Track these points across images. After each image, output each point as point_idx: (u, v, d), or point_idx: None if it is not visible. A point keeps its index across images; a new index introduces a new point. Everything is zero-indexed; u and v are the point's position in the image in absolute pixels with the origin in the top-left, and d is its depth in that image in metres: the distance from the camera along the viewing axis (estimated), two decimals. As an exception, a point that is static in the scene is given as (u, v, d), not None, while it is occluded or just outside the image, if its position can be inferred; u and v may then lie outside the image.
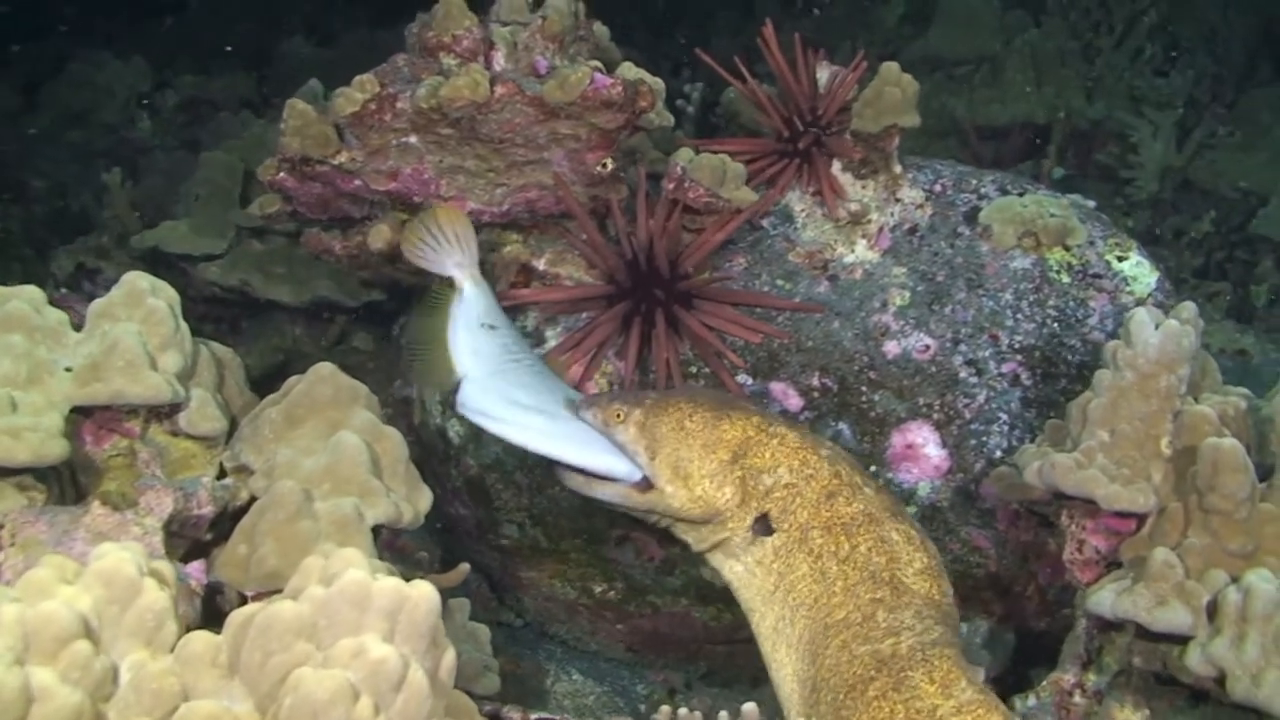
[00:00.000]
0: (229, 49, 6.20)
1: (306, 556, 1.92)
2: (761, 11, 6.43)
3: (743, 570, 2.11)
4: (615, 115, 2.39)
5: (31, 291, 2.13)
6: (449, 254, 2.30)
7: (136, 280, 2.18)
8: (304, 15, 6.44)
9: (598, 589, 2.76)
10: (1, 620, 1.43)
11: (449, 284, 2.31)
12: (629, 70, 2.44)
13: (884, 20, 5.65)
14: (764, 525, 2.10)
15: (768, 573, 2.08)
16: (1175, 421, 2.06)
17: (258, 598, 1.95)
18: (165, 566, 1.68)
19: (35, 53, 6.44)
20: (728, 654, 2.81)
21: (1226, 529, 1.90)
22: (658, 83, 2.48)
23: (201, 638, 1.54)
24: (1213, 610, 1.84)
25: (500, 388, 2.30)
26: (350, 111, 2.40)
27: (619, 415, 2.19)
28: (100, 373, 2.06)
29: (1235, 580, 1.84)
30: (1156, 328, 2.08)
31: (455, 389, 2.29)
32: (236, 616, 1.54)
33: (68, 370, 2.10)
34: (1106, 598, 1.94)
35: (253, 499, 2.20)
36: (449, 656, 1.62)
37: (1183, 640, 1.88)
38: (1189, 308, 2.18)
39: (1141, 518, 2.06)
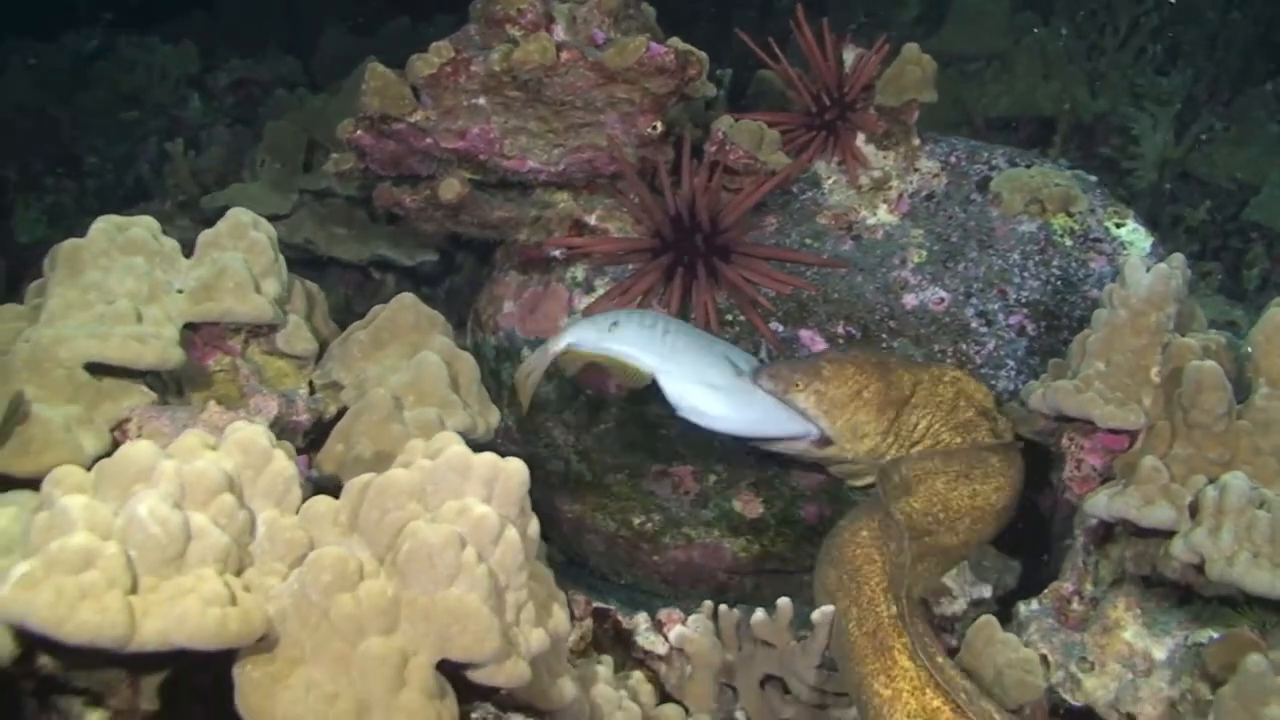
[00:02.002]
0: (269, 39, 6.49)
1: (397, 453, 2.19)
2: (780, 9, 6.72)
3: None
4: (667, 80, 2.65)
5: (149, 221, 2.38)
6: (540, 363, 2.63)
7: (240, 215, 2.45)
8: (342, 9, 6.73)
9: (636, 520, 3.00)
10: (162, 472, 1.67)
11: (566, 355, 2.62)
12: (678, 43, 2.70)
13: (899, 19, 5.92)
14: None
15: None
16: (1163, 353, 2.32)
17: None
18: (288, 446, 1.94)
19: (81, 39, 6.72)
20: (755, 585, 3.05)
21: (1207, 441, 2.16)
22: (704, 56, 2.73)
23: (324, 500, 1.80)
24: (1194, 510, 2.10)
25: (688, 372, 2.55)
26: (427, 74, 2.66)
27: (798, 385, 2.56)
28: (212, 293, 2.32)
29: (1213, 483, 2.09)
30: (1148, 271, 2.34)
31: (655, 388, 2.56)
32: (355, 483, 1.80)
33: (179, 292, 2.36)
34: (1101, 500, 2.20)
35: (341, 412, 2.46)
36: (534, 524, 1.88)
37: (1168, 537, 2.14)
38: (1178, 257, 2.46)
39: (1133, 436, 2.32)
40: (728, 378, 2.57)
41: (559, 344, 2.60)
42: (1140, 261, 2.39)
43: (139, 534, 1.59)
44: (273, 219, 3.74)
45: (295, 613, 1.65)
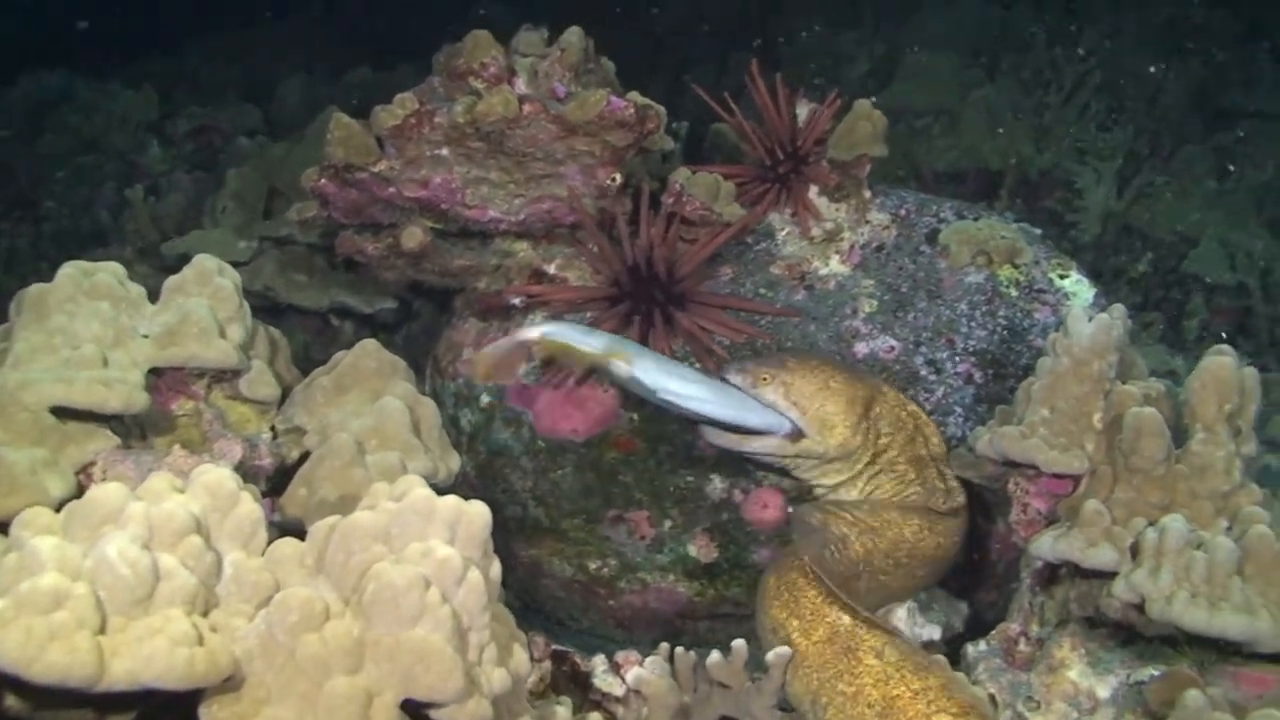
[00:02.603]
0: (230, 86, 6.54)
1: (359, 498, 2.22)
2: (735, 64, 6.85)
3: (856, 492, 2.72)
4: (626, 134, 2.72)
5: (115, 267, 2.42)
6: (513, 350, 2.75)
7: (205, 261, 2.49)
8: (303, 57, 6.81)
9: (592, 565, 3.03)
10: (131, 514, 1.70)
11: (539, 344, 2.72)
12: (637, 97, 2.77)
13: (850, 75, 6.05)
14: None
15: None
16: (1105, 400, 2.40)
17: (318, 532, 2.23)
18: (253, 489, 1.97)
19: (42, 80, 6.74)
20: (709, 628, 3.09)
21: (1147, 485, 2.24)
22: (662, 110, 2.81)
23: (289, 543, 1.84)
24: (1135, 551, 2.18)
25: (661, 367, 2.65)
26: (392, 124, 2.71)
27: (765, 379, 2.65)
28: (177, 338, 2.35)
29: (1153, 526, 2.17)
30: (1091, 321, 2.43)
31: (628, 380, 2.65)
32: (320, 526, 1.83)
33: (145, 337, 2.39)
34: (1046, 542, 2.28)
35: (303, 456, 2.50)
36: (496, 566, 1.92)
37: (1110, 578, 2.21)
38: (1119, 308, 2.55)
39: (1076, 480, 2.40)
40: (697, 374, 2.70)
41: (533, 331, 2.70)
42: (1083, 311, 2.48)
43: (108, 575, 1.62)
44: (233, 265, 3.80)
45: (262, 653, 1.68)
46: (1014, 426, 2.44)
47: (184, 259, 3.85)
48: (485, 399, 3.04)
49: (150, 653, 1.59)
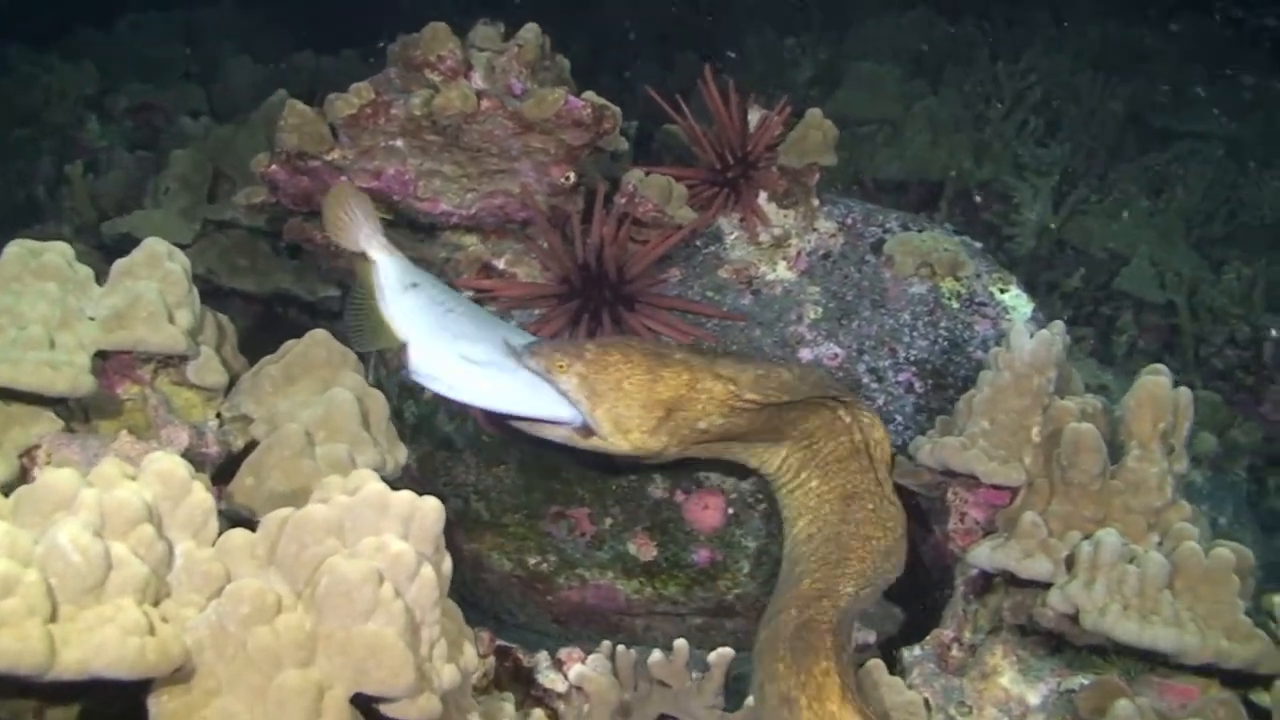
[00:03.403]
0: (168, 65, 6.44)
1: (307, 488, 2.22)
2: (681, 64, 6.88)
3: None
4: (582, 133, 2.73)
5: (63, 247, 2.39)
6: (357, 229, 2.57)
7: (155, 245, 2.46)
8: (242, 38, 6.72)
9: (532, 561, 3.05)
10: (83, 501, 1.69)
11: (364, 258, 2.60)
12: (594, 97, 2.79)
13: (795, 80, 6.11)
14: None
15: None
16: (1044, 414, 2.46)
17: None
18: (205, 478, 1.96)
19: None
20: (645, 626, 3.11)
21: (1083, 499, 2.30)
22: (618, 110, 2.83)
23: (240, 533, 1.84)
24: (1070, 563, 2.23)
25: (445, 344, 2.53)
26: (347, 114, 2.70)
27: (561, 366, 2.48)
28: (125, 322, 2.33)
29: (1088, 539, 2.23)
30: (1031, 337, 2.49)
31: (403, 355, 2.55)
32: (273, 517, 1.83)
33: (91, 319, 2.36)
34: (984, 552, 2.33)
35: (248, 445, 2.48)
36: (447, 562, 1.94)
37: (1045, 589, 2.26)
38: (1058, 324, 2.61)
39: (1014, 492, 2.46)
40: (491, 355, 2.53)
41: (375, 250, 2.58)
42: (1024, 327, 2.54)
43: (59, 562, 1.61)
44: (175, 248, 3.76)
45: (212, 644, 1.68)
46: (955, 437, 2.49)
47: (125, 239, 3.85)
48: (428, 393, 3.03)
49: (101, 642, 1.59)
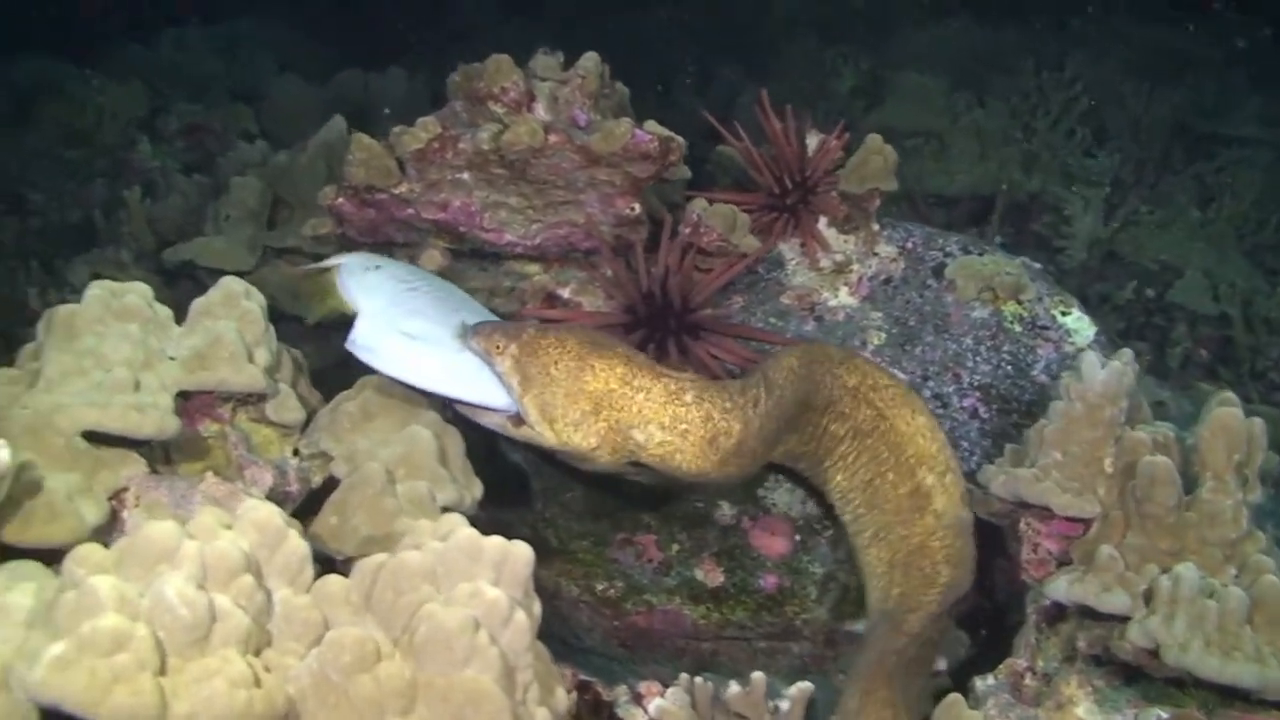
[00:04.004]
0: (214, 82, 6.49)
1: (391, 527, 2.26)
2: (720, 80, 6.89)
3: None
4: (648, 165, 2.75)
5: (142, 288, 2.43)
6: None
7: (232, 284, 2.50)
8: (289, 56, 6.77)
9: (599, 586, 3.07)
10: (185, 553, 1.72)
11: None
12: (658, 128, 2.80)
13: (837, 90, 6.11)
14: (638, 465, 2.45)
15: None
16: (1116, 445, 2.47)
17: (349, 561, 2.26)
18: (297, 524, 1.99)
19: (18, 66, 6.66)
20: (712, 651, 3.13)
21: (1159, 532, 2.30)
22: (683, 141, 2.84)
23: (336, 580, 1.87)
24: (1148, 596, 2.24)
25: (393, 319, 2.51)
26: (415, 148, 2.73)
27: (498, 347, 2.41)
28: (206, 362, 2.36)
29: (1166, 573, 2.23)
30: (1103, 368, 2.49)
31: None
32: (367, 564, 1.86)
33: (172, 359, 2.40)
34: (1061, 585, 2.33)
35: (327, 481, 2.52)
36: (537, 606, 1.96)
37: (1122, 622, 2.27)
38: (1127, 353, 2.60)
39: (1087, 523, 2.46)
40: (434, 333, 2.49)
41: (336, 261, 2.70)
42: (1096, 357, 2.53)
43: (166, 615, 1.64)
44: (237, 275, 3.79)
45: (314, 693, 1.71)
46: (1028, 469, 2.49)
47: (185, 266, 3.89)
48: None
49: (210, 694, 1.62)
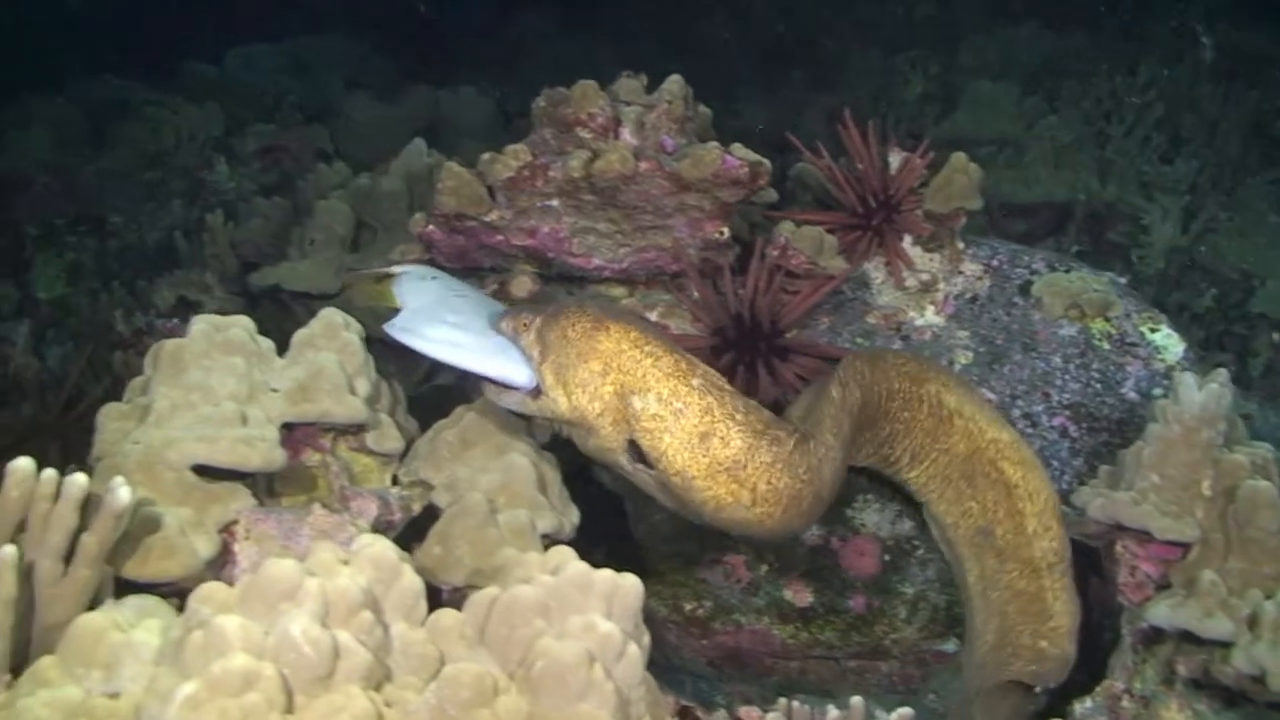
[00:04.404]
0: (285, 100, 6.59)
1: (494, 557, 2.29)
2: (788, 90, 6.88)
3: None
4: (737, 190, 2.77)
5: (245, 321, 2.47)
6: None
7: (333, 315, 2.54)
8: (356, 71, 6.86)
9: (688, 606, 3.09)
10: (307, 591, 1.76)
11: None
12: (746, 152, 2.81)
13: (906, 98, 6.09)
14: (637, 452, 2.33)
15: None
16: (1214, 467, 2.45)
17: (455, 591, 2.29)
18: (410, 559, 2.02)
19: (95, 88, 6.79)
20: (800, 669, 3.14)
21: (1261, 556, 2.29)
22: (769, 164, 2.85)
23: (450, 614, 1.89)
24: (1251, 621, 2.22)
25: (431, 311, 2.58)
26: (506, 176, 2.76)
27: (525, 324, 2.41)
28: (309, 394, 2.40)
29: (1269, 597, 2.22)
30: (1199, 389, 2.48)
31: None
32: (480, 598, 1.89)
33: (274, 391, 2.44)
34: (1163, 610, 2.32)
35: (426, 509, 2.55)
36: (646, 637, 1.97)
37: (1224, 647, 2.25)
38: (1222, 374, 2.58)
39: (1185, 547, 2.45)
40: (467, 319, 2.55)
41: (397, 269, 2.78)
42: (1192, 379, 2.52)
43: (291, 654, 1.68)
44: (322, 299, 3.85)
45: (435, 728, 1.74)
46: (1126, 492, 2.48)
47: (271, 290, 3.95)
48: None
49: (336, 732, 1.65)
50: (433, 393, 3.94)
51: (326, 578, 1.79)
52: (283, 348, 2.48)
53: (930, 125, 5.59)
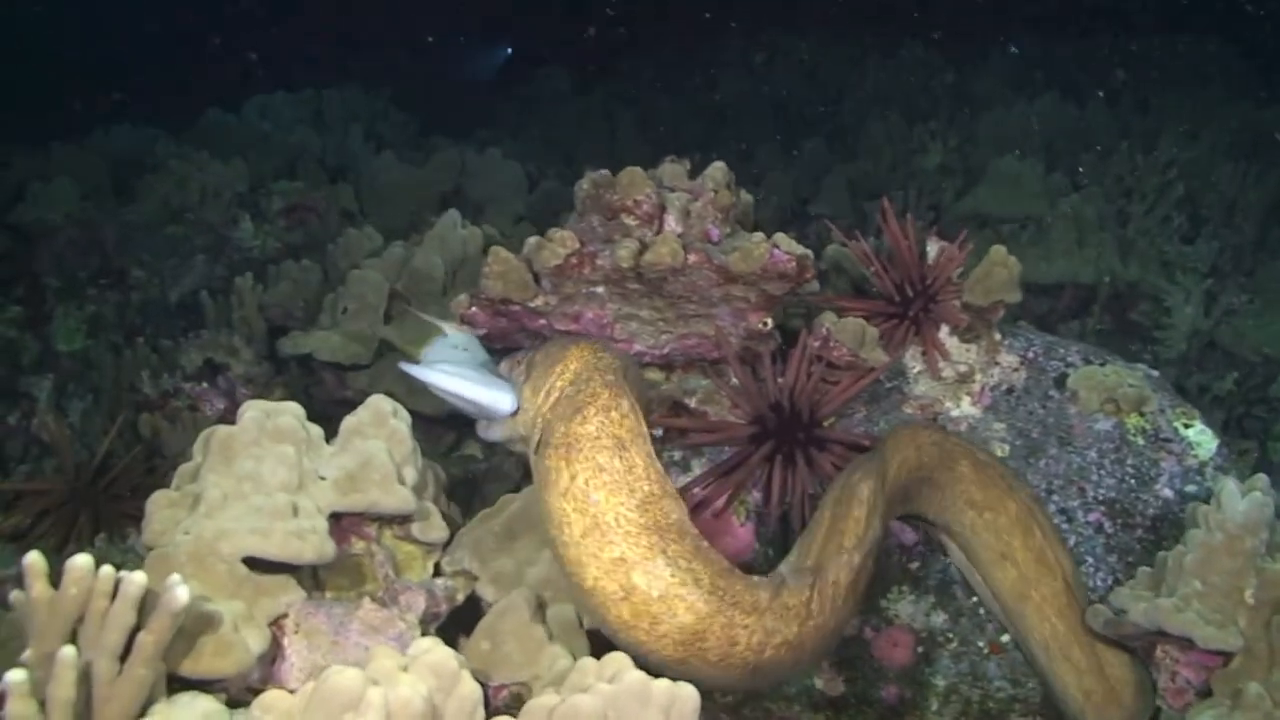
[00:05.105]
0: (304, 154, 6.62)
1: (541, 654, 2.29)
2: (763, 157, 6.91)
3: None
4: (784, 284, 2.78)
5: (295, 408, 2.48)
6: None
7: (381, 403, 2.55)
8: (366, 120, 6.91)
9: (719, 694, 3.08)
10: (370, 701, 1.76)
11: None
12: (791, 244, 2.82)
13: (924, 168, 6.13)
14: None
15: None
16: (1257, 576, 2.46)
17: (500, 687, 2.29)
18: (468, 664, 2.02)
19: (115, 136, 6.83)
20: (828, 756, 3.13)
21: (1309, 671, 2.30)
22: (811, 255, 2.87)
23: (507, 724, 1.89)
24: (1300, 739, 2.23)
25: (440, 360, 2.88)
26: (554, 264, 2.77)
27: (518, 362, 2.75)
28: (358, 484, 2.41)
29: (1319, 715, 2.22)
30: (1242, 497, 2.49)
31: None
32: (539, 707, 1.89)
33: (322, 479, 2.45)
34: (1208, 722, 2.33)
35: (469, 599, 2.55)
36: (701, 747, 1.97)
37: (1272, 762, 2.26)
38: (1263, 479, 2.60)
39: (1228, 655, 2.45)
40: (477, 373, 2.84)
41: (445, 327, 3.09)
42: (1235, 486, 2.53)
43: (358, 767, 1.68)
44: (354, 369, 3.86)
45: (497, 844, 1.74)
46: (1169, 599, 2.48)
47: (302, 357, 3.95)
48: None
49: None
50: (460, 461, 3.95)
51: (388, 686, 1.79)
52: (311, 415, 2.51)
53: (951, 200, 5.63)
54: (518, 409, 2.66)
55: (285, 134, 7.01)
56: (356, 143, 7.07)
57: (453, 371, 2.79)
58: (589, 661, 2.01)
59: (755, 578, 2.39)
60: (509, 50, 12.86)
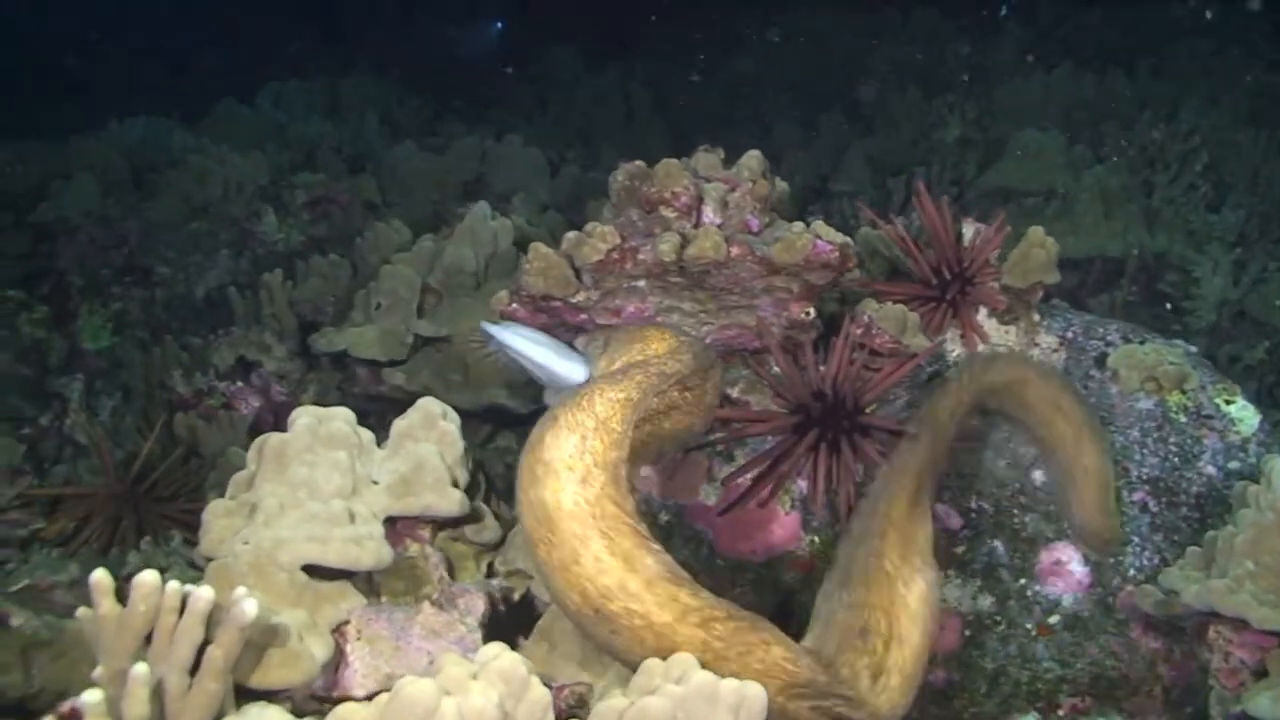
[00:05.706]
0: (321, 143, 6.61)
1: (599, 655, 2.29)
2: (781, 134, 6.87)
3: None
4: (827, 274, 2.78)
5: (345, 413, 2.49)
6: None
7: (430, 405, 2.56)
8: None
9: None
10: (444, 712, 1.77)
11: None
12: (832, 234, 2.81)
13: (943, 141, 6.10)
14: None
15: None
16: (1311, 556, 2.46)
17: (561, 687, 2.30)
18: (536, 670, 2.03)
19: (132, 130, 6.81)
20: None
21: (1367, 650, 2.30)
22: (854, 244, 2.86)
23: (579, 728, 1.91)
24: (1359, 718, 2.24)
25: (529, 340, 2.88)
26: (595, 260, 2.77)
27: (596, 338, 2.85)
28: (412, 488, 2.42)
29: (1379, 695, 2.23)
30: (1294, 475, 2.49)
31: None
32: (607, 710, 1.90)
33: (375, 483, 2.46)
34: (1265, 703, 2.34)
35: (523, 597, 2.57)
36: (769, 746, 1.98)
37: (1330, 741, 2.27)
38: (1313, 458, 2.59)
39: (1282, 635, 2.46)
40: (553, 342, 2.90)
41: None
42: (1284, 465, 2.53)
43: (437, 777, 1.69)
44: (389, 364, 3.86)
45: None
46: (1221, 580, 2.49)
47: (335, 354, 3.96)
48: (665, 517, 3.10)
49: None
50: (497, 454, 3.96)
51: (460, 695, 1.80)
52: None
53: (974, 175, 5.60)
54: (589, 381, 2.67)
55: (301, 124, 6.99)
56: (372, 130, 7.06)
57: (531, 336, 2.86)
58: (654, 662, 2.02)
59: None
60: (499, 24, 12.65)
